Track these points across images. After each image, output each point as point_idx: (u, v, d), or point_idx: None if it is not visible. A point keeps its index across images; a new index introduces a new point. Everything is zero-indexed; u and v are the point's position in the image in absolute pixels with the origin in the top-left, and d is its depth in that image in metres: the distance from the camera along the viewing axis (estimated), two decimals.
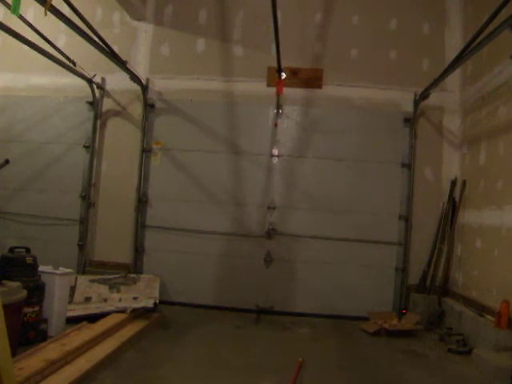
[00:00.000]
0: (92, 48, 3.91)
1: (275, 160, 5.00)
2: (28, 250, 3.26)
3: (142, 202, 5.04)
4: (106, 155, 5.18)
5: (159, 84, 5.17)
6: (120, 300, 4.28)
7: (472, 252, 4.31)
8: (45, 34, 4.21)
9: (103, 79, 5.18)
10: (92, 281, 4.47)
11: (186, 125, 5.08)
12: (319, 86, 5.05)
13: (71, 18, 3.43)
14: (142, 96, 5.07)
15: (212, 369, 3.03)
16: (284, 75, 4.66)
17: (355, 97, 5.00)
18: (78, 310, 3.86)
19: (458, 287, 4.53)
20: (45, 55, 4.17)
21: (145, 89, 5.06)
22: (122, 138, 5.18)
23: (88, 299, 4.27)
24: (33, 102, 5.25)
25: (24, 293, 2.82)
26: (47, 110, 5.23)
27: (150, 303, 4.10)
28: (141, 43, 5.21)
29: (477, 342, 3.64)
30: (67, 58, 4.53)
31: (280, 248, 4.90)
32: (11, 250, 3.23)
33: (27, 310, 2.96)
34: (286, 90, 4.79)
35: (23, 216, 5.10)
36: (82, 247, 5.05)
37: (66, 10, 3.34)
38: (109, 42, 4.10)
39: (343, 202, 4.88)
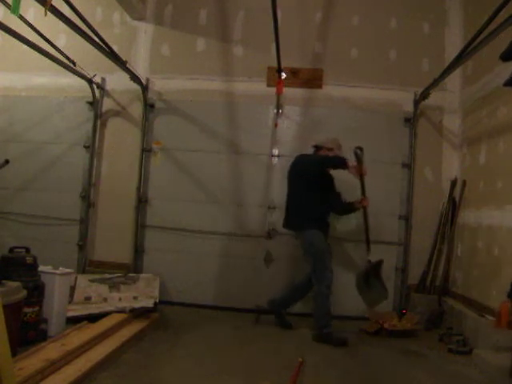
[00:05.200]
0: (92, 48, 3.91)
1: (275, 160, 5.01)
2: (28, 250, 3.26)
3: (141, 201, 5.04)
4: (106, 155, 5.18)
5: (159, 84, 5.17)
6: (120, 299, 4.28)
7: (472, 252, 4.31)
8: (45, 34, 4.20)
9: (103, 79, 5.18)
10: (92, 280, 4.48)
11: (186, 125, 5.08)
12: (319, 86, 5.05)
13: (71, 18, 3.43)
14: (142, 96, 5.07)
15: (212, 369, 3.03)
16: (284, 75, 4.65)
17: (355, 97, 5.00)
18: (78, 310, 3.86)
19: (457, 287, 4.54)
20: (45, 55, 4.17)
21: (145, 89, 5.06)
22: (122, 138, 5.18)
23: (88, 299, 4.27)
24: (33, 102, 5.25)
25: (24, 293, 2.81)
26: (47, 110, 5.23)
27: (150, 303, 4.10)
28: (141, 43, 5.22)
29: (477, 342, 3.64)
30: (67, 57, 4.53)
31: (280, 248, 4.90)
32: (11, 249, 3.23)
33: (27, 310, 2.96)
34: (286, 90, 4.78)
35: (23, 216, 5.10)
36: (82, 247, 5.05)
37: (66, 9, 3.34)
38: (109, 42, 4.10)
39: None
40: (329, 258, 3.91)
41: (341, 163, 3.82)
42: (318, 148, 4.16)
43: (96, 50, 3.98)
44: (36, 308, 3.07)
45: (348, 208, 4.29)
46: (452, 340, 3.82)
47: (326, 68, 5.05)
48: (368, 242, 4.18)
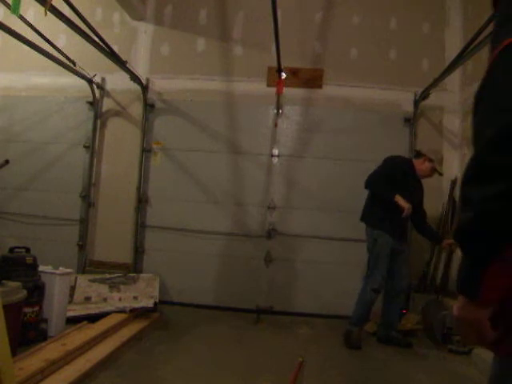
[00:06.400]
0: (92, 48, 3.91)
1: (275, 160, 5.00)
2: (28, 250, 3.26)
3: (141, 201, 5.04)
4: (106, 155, 5.18)
5: (159, 84, 5.17)
6: (120, 299, 4.28)
7: None
8: (45, 34, 4.21)
9: (103, 79, 5.18)
10: (92, 280, 4.48)
11: (186, 125, 5.08)
12: (319, 86, 5.05)
13: (71, 18, 3.43)
14: (142, 96, 5.07)
15: (212, 369, 3.04)
16: (284, 75, 4.65)
17: (355, 97, 5.00)
18: (77, 310, 3.86)
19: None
20: (45, 55, 4.17)
21: (145, 89, 5.06)
22: (122, 138, 5.18)
23: (88, 299, 4.27)
24: (33, 102, 5.25)
25: (24, 293, 2.81)
26: (47, 110, 5.23)
27: (150, 303, 4.10)
28: (141, 43, 5.22)
29: None
30: (67, 58, 4.53)
31: (280, 248, 4.90)
32: (11, 250, 3.23)
33: (27, 309, 2.96)
34: (286, 90, 4.79)
35: (23, 216, 5.10)
36: (82, 247, 5.05)
37: (66, 9, 3.35)
38: (109, 42, 4.11)
39: (343, 202, 4.88)
40: (385, 265, 3.76)
41: (386, 196, 3.76)
42: (419, 154, 4.02)
43: (96, 50, 3.99)
44: (36, 308, 3.07)
45: (431, 236, 4.25)
46: (452, 340, 3.82)
47: (326, 68, 5.05)
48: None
